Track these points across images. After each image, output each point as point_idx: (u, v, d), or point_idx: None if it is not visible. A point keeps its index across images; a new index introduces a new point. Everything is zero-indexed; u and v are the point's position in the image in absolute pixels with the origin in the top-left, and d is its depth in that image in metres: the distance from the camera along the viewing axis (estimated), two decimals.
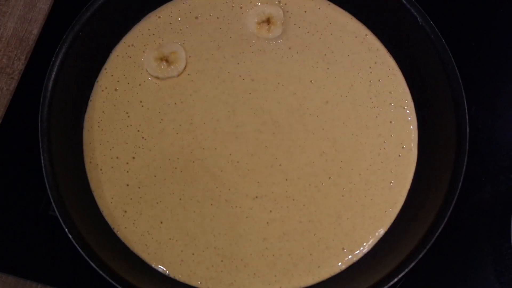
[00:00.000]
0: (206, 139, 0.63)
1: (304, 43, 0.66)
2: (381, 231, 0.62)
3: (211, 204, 0.62)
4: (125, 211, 0.62)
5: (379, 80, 0.65)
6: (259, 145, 0.63)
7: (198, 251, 0.61)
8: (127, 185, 0.62)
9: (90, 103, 0.64)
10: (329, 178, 0.62)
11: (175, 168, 0.63)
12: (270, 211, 0.62)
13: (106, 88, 0.65)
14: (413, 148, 0.64)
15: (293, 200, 0.62)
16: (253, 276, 0.60)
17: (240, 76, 0.65)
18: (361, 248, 0.61)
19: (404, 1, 0.63)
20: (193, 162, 0.63)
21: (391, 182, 0.63)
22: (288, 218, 0.62)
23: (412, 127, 0.65)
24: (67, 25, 0.61)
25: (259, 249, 0.61)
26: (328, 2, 0.67)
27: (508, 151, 0.68)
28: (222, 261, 0.61)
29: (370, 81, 0.65)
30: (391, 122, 0.65)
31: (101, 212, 0.62)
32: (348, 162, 0.63)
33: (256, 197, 0.62)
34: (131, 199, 0.62)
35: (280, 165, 0.63)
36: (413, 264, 0.56)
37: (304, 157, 0.63)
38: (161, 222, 0.61)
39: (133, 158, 0.63)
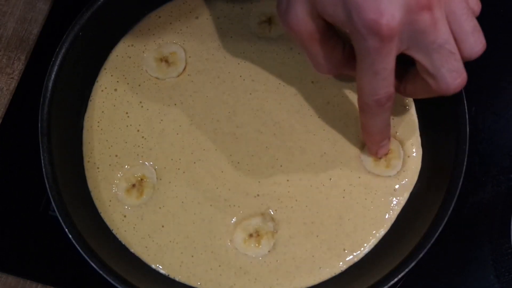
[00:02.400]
0: (207, 140, 0.63)
1: None
2: (382, 232, 0.62)
3: (211, 205, 0.62)
4: (125, 216, 0.61)
5: None
6: (260, 146, 0.63)
7: (197, 253, 0.60)
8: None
9: (90, 103, 0.64)
10: (330, 179, 0.62)
11: (178, 169, 0.63)
12: (276, 210, 0.62)
13: (105, 88, 0.64)
14: (415, 152, 0.64)
15: (296, 200, 0.62)
16: (254, 281, 0.60)
17: (240, 76, 0.65)
18: (362, 248, 0.61)
19: None
20: (194, 163, 0.63)
21: (394, 190, 0.63)
22: (294, 219, 0.61)
23: (414, 126, 0.64)
24: (67, 25, 0.61)
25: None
26: None
27: (509, 151, 0.68)
28: (220, 266, 0.60)
29: None
30: (392, 118, 0.64)
31: (100, 214, 0.62)
32: (348, 163, 0.63)
33: (258, 195, 0.62)
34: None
35: (281, 166, 0.63)
36: (413, 264, 0.56)
37: (305, 158, 0.63)
38: (163, 226, 0.61)
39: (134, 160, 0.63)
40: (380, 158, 0.62)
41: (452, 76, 0.49)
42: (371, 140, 0.59)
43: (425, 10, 0.44)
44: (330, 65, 0.53)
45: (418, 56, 0.47)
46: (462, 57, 0.49)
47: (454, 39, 0.48)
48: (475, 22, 0.49)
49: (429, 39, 0.46)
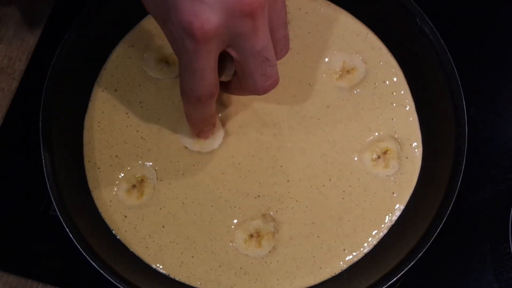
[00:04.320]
0: None
1: (305, 43, 0.66)
2: (381, 233, 0.62)
3: (211, 206, 0.62)
4: (125, 216, 0.62)
5: (384, 82, 0.65)
6: (260, 147, 0.63)
7: (197, 254, 0.61)
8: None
9: (90, 103, 0.64)
10: (330, 180, 0.63)
11: (178, 170, 0.63)
12: (277, 211, 0.62)
13: (106, 88, 0.64)
14: (415, 153, 0.64)
15: (296, 201, 0.62)
16: (255, 281, 0.60)
17: None
18: (362, 248, 0.61)
19: (403, 2, 0.63)
20: (194, 164, 0.63)
21: (393, 193, 0.63)
22: (294, 220, 0.62)
23: (414, 127, 0.65)
24: (67, 25, 0.61)
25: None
26: (329, 3, 0.67)
27: (507, 151, 0.68)
28: (220, 266, 0.60)
29: (375, 84, 0.65)
30: (392, 119, 0.64)
31: (100, 214, 0.62)
32: (348, 164, 0.63)
33: (258, 196, 0.62)
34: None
35: (281, 166, 0.63)
36: (412, 263, 0.57)
37: (305, 159, 0.63)
38: (163, 227, 0.61)
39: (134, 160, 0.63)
40: (202, 139, 0.62)
41: (262, 80, 0.51)
42: (193, 126, 0.60)
43: (247, 17, 0.45)
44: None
45: (236, 56, 0.48)
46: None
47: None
48: (287, 31, 0.52)
49: (248, 44, 0.47)
